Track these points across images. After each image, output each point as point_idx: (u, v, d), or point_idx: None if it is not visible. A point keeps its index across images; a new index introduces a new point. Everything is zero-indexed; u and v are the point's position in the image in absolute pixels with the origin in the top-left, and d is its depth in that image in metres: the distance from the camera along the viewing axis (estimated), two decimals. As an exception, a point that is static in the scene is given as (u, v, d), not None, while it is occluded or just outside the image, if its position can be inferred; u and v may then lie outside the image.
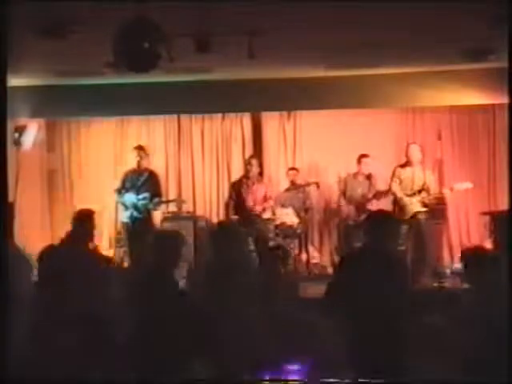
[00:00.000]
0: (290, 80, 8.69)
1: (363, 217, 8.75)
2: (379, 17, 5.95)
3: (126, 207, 8.64)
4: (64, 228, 7.74)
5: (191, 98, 8.89)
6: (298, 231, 9.08)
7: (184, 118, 10.19)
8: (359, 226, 8.88)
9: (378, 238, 4.64)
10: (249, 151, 9.91)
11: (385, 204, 9.07)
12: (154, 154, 9.55)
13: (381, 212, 5.58)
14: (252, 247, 8.30)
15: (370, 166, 9.04)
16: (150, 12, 5.03)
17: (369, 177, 8.99)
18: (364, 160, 8.99)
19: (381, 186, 8.92)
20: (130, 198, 8.58)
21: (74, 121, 10.15)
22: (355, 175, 9.08)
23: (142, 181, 8.70)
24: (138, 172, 8.76)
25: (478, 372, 3.88)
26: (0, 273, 3.55)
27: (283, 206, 9.17)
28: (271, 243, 8.58)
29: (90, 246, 6.11)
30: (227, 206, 8.93)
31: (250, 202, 8.65)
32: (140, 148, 8.89)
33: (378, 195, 8.84)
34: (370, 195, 8.87)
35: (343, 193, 9.08)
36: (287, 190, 9.51)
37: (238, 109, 9.72)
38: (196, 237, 9.65)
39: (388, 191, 8.71)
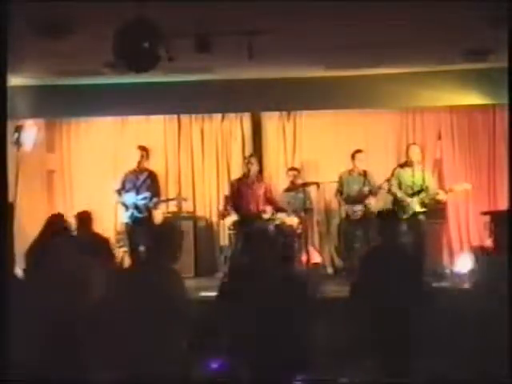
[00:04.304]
0: (289, 80, 8.69)
1: (361, 214, 8.82)
2: (379, 17, 5.95)
3: (126, 207, 8.65)
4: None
5: (191, 97, 8.88)
6: (298, 231, 9.07)
7: (184, 117, 10.18)
8: (358, 224, 8.93)
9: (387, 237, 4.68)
10: (248, 151, 9.90)
11: (384, 201, 9.10)
12: (153, 154, 9.54)
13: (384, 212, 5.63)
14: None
15: (365, 162, 9.08)
16: (149, 12, 5.04)
17: (364, 173, 9.01)
18: (358, 155, 9.03)
19: (377, 182, 8.93)
20: (130, 198, 8.59)
21: (74, 121, 10.14)
22: (350, 172, 9.11)
23: (142, 181, 8.71)
24: (137, 172, 8.78)
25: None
26: (0, 272, 3.55)
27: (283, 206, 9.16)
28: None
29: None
30: (225, 204, 8.90)
31: (249, 201, 8.64)
32: (142, 148, 8.90)
33: (374, 191, 8.86)
34: (367, 191, 8.88)
35: (340, 190, 9.09)
36: (287, 189, 9.50)
37: (238, 109, 9.72)
38: (196, 237, 9.67)
39: (381, 185, 8.75)
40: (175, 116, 10.12)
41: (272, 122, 10.16)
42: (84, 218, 6.90)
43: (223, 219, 9.25)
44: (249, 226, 8.21)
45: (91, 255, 5.48)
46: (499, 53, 6.84)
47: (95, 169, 10.07)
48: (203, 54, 6.35)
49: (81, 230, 6.74)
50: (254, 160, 8.91)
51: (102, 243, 6.82)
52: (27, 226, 8.44)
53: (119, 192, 8.72)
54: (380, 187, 8.82)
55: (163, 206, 9.38)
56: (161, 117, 10.08)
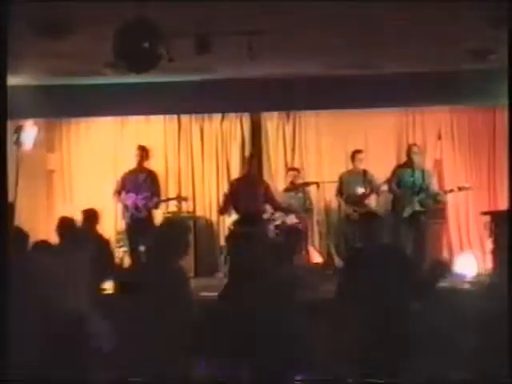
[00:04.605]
0: (289, 80, 8.69)
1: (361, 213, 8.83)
2: (379, 17, 5.96)
3: (126, 207, 8.65)
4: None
5: (191, 97, 8.88)
6: (298, 231, 9.05)
7: (184, 117, 10.18)
8: (357, 224, 8.92)
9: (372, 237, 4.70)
10: (248, 151, 9.90)
11: (384, 200, 9.12)
12: (154, 154, 9.54)
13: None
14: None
15: (365, 162, 9.09)
16: (149, 12, 5.04)
17: (364, 173, 9.02)
18: (358, 156, 9.05)
19: (377, 182, 8.95)
20: (130, 198, 8.59)
21: (74, 121, 10.14)
22: (350, 172, 9.12)
23: (142, 180, 8.71)
24: (137, 172, 8.78)
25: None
26: (0, 272, 3.55)
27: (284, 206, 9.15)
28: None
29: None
30: (225, 206, 8.87)
31: (249, 201, 8.63)
32: (142, 149, 8.91)
33: (375, 190, 8.88)
34: (367, 191, 8.90)
35: (340, 191, 9.10)
36: (287, 189, 9.49)
37: (238, 109, 9.72)
38: (196, 237, 9.67)
39: (381, 185, 8.77)
40: (175, 116, 10.13)
41: (272, 122, 10.17)
42: (90, 216, 6.94)
43: (222, 215, 9.25)
44: (248, 226, 8.20)
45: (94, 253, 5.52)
46: (499, 53, 6.85)
47: (95, 169, 10.07)
48: (203, 54, 6.35)
49: (86, 228, 6.76)
50: (253, 161, 8.91)
51: (104, 242, 6.88)
52: (27, 226, 8.44)
53: (119, 192, 8.72)
54: (380, 187, 8.84)
55: (163, 206, 9.38)
56: (161, 117, 10.08)
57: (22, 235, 5.01)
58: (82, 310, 4.61)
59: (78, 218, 6.84)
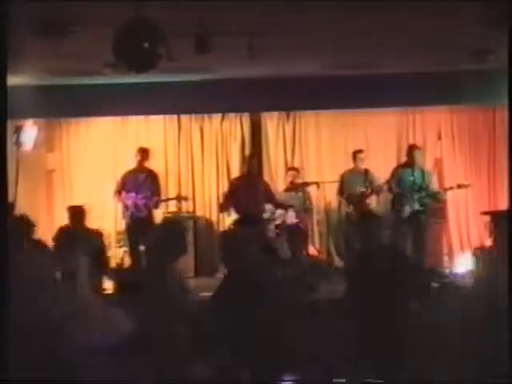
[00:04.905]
0: (290, 80, 8.69)
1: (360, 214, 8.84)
2: (379, 17, 5.96)
3: (127, 207, 8.65)
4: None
5: (191, 98, 8.88)
6: (298, 231, 9.06)
7: (184, 117, 10.18)
8: (356, 224, 8.93)
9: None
10: (248, 151, 9.91)
11: (384, 199, 9.13)
12: (154, 154, 9.55)
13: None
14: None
15: (366, 162, 9.10)
16: (149, 12, 5.04)
17: (365, 172, 9.03)
18: (358, 155, 9.07)
19: (378, 181, 8.96)
20: (131, 197, 8.60)
21: (74, 121, 10.14)
22: (352, 171, 9.13)
23: (142, 180, 8.72)
24: (137, 172, 8.79)
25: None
26: (0, 273, 3.55)
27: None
28: None
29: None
30: (225, 204, 8.88)
31: (249, 201, 8.63)
32: (143, 150, 8.91)
33: (376, 190, 8.89)
34: (368, 191, 8.91)
35: (340, 190, 9.10)
36: (287, 189, 9.50)
37: (238, 109, 9.72)
38: (196, 237, 9.67)
39: (383, 185, 8.78)
40: (175, 116, 10.12)
41: (272, 121, 10.17)
42: (77, 213, 7.06)
43: (222, 212, 9.25)
44: (248, 225, 8.19)
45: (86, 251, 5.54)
46: (499, 53, 6.85)
47: (95, 168, 10.07)
48: (203, 54, 6.35)
49: (74, 224, 6.86)
50: (253, 161, 8.91)
51: (95, 238, 6.95)
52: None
53: (119, 192, 8.73)
54: (382, 188, 8.85)
55: (163, 206, 9.39)
56: (161, 117, 10.08)
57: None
58: (80, 310, 4.61)
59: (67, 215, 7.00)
